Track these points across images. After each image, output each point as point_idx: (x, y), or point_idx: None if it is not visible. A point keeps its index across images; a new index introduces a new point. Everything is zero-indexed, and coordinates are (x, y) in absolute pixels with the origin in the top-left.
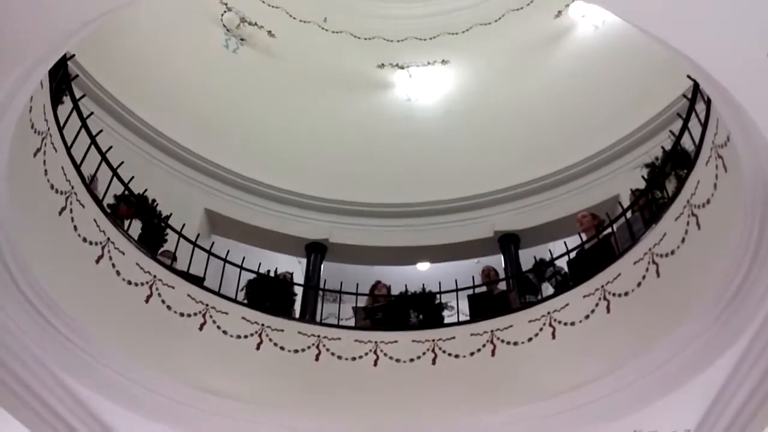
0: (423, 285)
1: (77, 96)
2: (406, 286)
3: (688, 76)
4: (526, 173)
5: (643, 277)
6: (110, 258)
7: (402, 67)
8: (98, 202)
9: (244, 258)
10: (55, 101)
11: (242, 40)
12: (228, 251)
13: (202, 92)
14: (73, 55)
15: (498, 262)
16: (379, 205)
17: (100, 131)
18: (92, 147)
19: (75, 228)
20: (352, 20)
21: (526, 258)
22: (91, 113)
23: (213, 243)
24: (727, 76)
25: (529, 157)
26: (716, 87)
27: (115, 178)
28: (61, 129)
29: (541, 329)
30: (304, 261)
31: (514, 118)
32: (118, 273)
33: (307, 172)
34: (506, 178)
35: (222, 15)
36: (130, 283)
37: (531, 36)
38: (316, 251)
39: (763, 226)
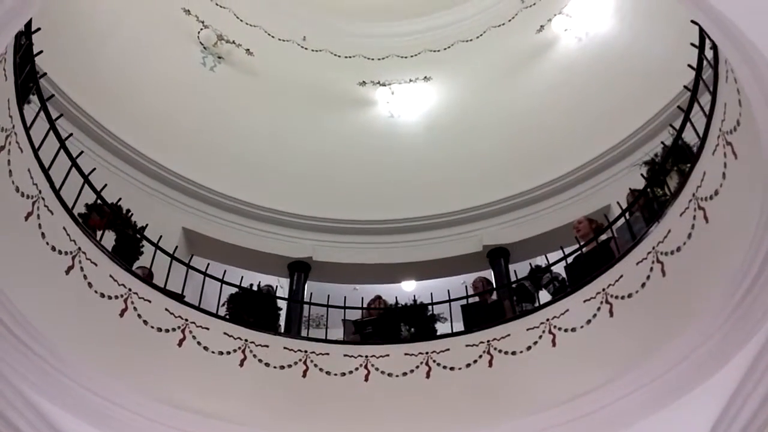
0: (414, 296)
1: (43, 107)
2: (396, 298)
3: (693, 21)
4: (513, 186)
5: (648, 277)
6: (81, 269)
7: (384, 85)
8: (68, 210)
9: (225, 271)
10: (21, 99)
11: (220, 58)
12: (208, 264)
13: (180, 110)
14: (41, 52)
15: (488, 276)
16: (363, 222)
17: (71, 135)
18: (61, 153)
19: (43, 235)
20: (332, 39)
21: (516, 272)
22: (61, 115)
23: (191, 260)
24: (745, 20)
25: (515, 170)
26: (729, 32)
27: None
28: (27, 129)
29: (540, 337)
30: (287, 283)
31: (499, 132)
32: (90, 285)
33: (289, 189)
34: (493, 191)
35: (199, 33)
36: (103, 295)
37: (513, 51)
38: (299, 270)
39: None
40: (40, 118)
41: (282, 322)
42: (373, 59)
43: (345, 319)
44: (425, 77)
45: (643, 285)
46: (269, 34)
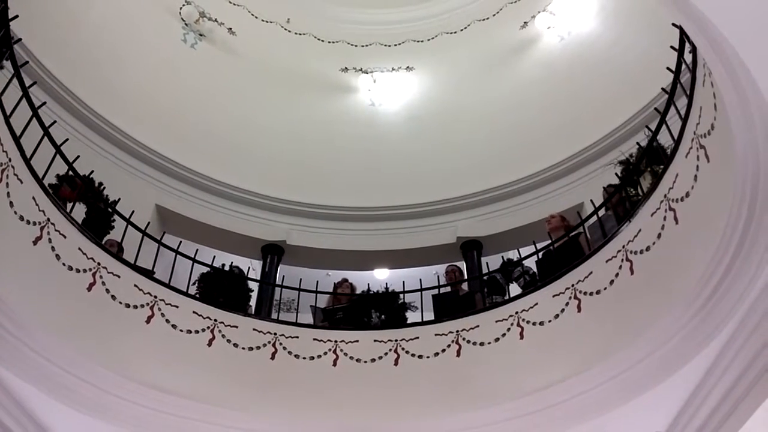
0: (386, 284)
1: (17, 73)
2: (368, 285)
3: (674, 24)
4: (489, 180)
5: (616, 275)
6: (50, 240)
7: (366, 72)
8: (38, 180)
9: (197, 251)
10: None
11: (201, 35)
12: (180, 242)
13: (158, 85)
14: (17, 16)
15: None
16: (339, 208)
17: (44, 103)
18: (33, 122)
19: (11, 204)
20: (316, 23)
21: (488, 265)
22: (34, 83)
23: (163, 236)
24: (727, 25)
25: (492, 164)
26: (710, 36)
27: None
28: None
29: (508, 329)
30: (259, 265)
31: (478, 126)
32: (58, 257)
33: (266, 171)
34: (469, 184)
35: (180, 8)
36: (71, 268)
37: (496, 46)
38: (272, 253)
39: (752, 210)
40: (13, 85)
41: (253, 303)
42: (356, 46)
43: (315, 306)
44: (408, 67)
45: (612, 282)
46: (252, 14)
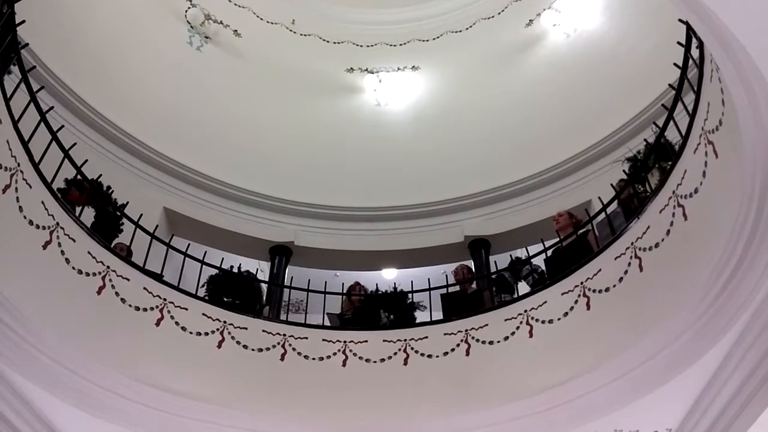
0: (394, 284)
1: (24, 79)
2: (377, 285)
3: (680, 20)
4: (496, 179)
5: (625, 272)
6: (59, 244)
7: (372, 72)
8: (47, 184)
9: (205, 253)
10: (2, 69)
11: (207, 37)
12: (188, 245)
13: (164, 88)
14: (23, 22)
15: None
16: (347, 208)
17: (51, 108)
18: (41, 126)
19: (20, 209)
20: (321, 24)
21: (497, 263)
22: (41, 87)
23: (171, 239)
24: (734, 20)
25: (499, 162)
26: (717, 32)
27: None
28: (7, 100)
29: (517, 328)
30: (267, 267)
31: (485, 125)
32: (67, 261)
33: (272, 173)
34: (476, 183)
35: (186, 11)
36: (81, 272)
37: (502, 44)
38: (280, 254)
39: (762, 206)
40: (21, 90)
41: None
42: (361, 46)
43: (328, 313)
44: (413, 66)
45: (621, 280)
46: (258, 16)
